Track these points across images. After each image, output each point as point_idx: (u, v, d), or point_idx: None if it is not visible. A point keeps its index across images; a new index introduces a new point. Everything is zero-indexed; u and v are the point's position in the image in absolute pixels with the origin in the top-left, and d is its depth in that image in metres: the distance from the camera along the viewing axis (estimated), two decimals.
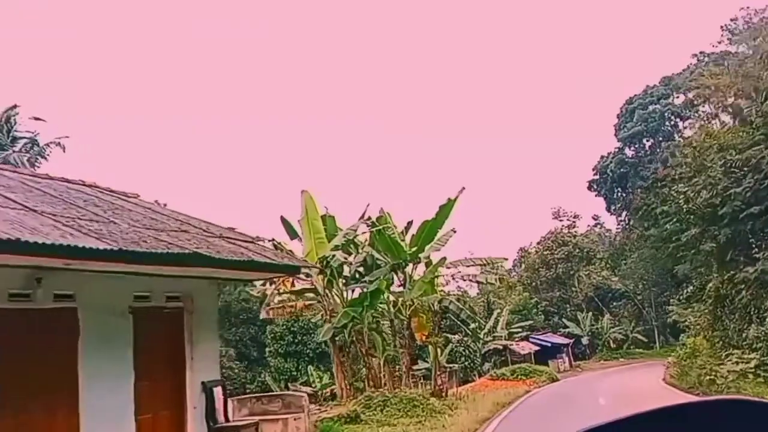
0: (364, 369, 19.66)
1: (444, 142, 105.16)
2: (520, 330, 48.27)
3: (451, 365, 41.17)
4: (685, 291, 30.14)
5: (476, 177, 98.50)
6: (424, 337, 23.95)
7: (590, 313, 58.63)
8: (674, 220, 24.34)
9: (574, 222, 66.41)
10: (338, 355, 19.03)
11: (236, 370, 54.51)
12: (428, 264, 21.98)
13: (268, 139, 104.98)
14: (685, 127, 57.77)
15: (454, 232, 22.80)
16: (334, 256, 18.20)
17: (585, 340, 55.43)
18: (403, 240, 22.08)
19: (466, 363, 41.90)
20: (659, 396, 21.14)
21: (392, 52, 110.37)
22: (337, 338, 19.45)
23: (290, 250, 18.76)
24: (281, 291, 19.28)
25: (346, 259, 18.38)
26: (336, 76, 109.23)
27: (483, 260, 21.88)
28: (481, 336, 42.48)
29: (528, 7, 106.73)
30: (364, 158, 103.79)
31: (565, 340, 50.53)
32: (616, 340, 57.44)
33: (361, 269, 22.19)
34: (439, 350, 39.74)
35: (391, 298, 22.61)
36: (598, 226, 71.27)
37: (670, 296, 58.12)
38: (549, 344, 47.23)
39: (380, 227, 20.41)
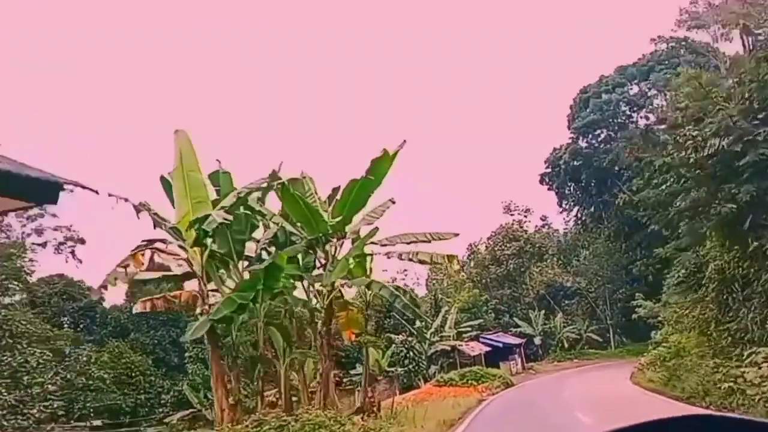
0: (258, 380, 13.87)
1: (392, 136, 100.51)
2: (469, 329, 43.81)
3: (393, 369, 36.15)
4: (674, 275, 25.52)
5: (426, 171, 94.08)
6: (353, 336, 18.69)
7: (542, 312, 54.86)
8: (672, 180, 19.82)
9: (525, 216, 62.68)
10: (217, 360, 12.87)
11: (152, 378, 47.99)
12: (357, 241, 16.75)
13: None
14: (641, 117, 54.98)
15: (393, 202, 17.64)
16: (209, 217, 12.64)
17: (537, 340, 51.55)
18: (325, 210, 16.74)
19: (410, 366, 36.97)
20: (653, 406, 16.56)
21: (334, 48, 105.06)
22: (224, 338, 13.88)
23: (155, 213, 13.16)
24: (139, 273, 13.39)
25: (228, 220, 12.58)
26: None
27: (427, 236, 16.74)
28: (428, 336, 37.63)
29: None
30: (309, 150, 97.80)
31: (517, 340, 46.36)
32: (569, 339, 53.81)
33: (272, 249, 16.73)
34: (379, 352, 34.83)
35: (313, 289, 17.18)
36: (546, 227, 67.67)
37: (626, 293, 55.05)
38: (500, 344, 42.89)
39: (291, 189, 15.00)
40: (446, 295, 54.68)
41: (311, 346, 16.45)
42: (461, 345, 39.47)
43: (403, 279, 56.96)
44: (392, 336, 37.19)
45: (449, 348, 39.27)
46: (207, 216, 12.50)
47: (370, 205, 16.86)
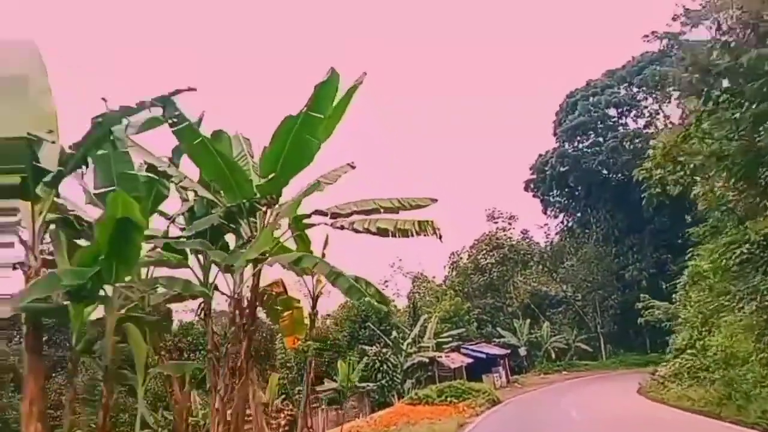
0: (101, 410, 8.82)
1: (376, 142, 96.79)
2: (450, 339, 39.87)
3: (365, 385, 32.11)
4: (717, 259, 20.11)
5: (408, 178, 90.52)
6: (297, 342, 14.75)
7: (528, 321, 51.18)
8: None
9: (510, 224, 59.23)
10: (35, 376, 7.54)
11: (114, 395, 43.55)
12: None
13: None
14: (630, 119, 52.12)
15: (352, 167, 13.64)
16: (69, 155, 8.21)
17: (522, 351, 47.83)
18: (256, 173, 12.52)
19: (384, 381, 32.96)
20: None
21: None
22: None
23: None
24: None
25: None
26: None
27: (394, 202, 12.61)
28: (404, 347, 33.70)
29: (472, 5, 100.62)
30: None
31: (501, 351, 42.61)
32: (556, 350, 50.15)
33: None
34: (348, 365, 30.81)
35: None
36: (527, 240, 63.93)
37: (618, 300, 51.71)
38: (483, 356, 39.09)
39: (210, 145, 10.98)
40: (427, 305, 50.91)
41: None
42: (441, 357, 35.59)
43: (383, 290, 52.93)
44: (366, 348, 33.24)
45: (428, 360, 35.37)
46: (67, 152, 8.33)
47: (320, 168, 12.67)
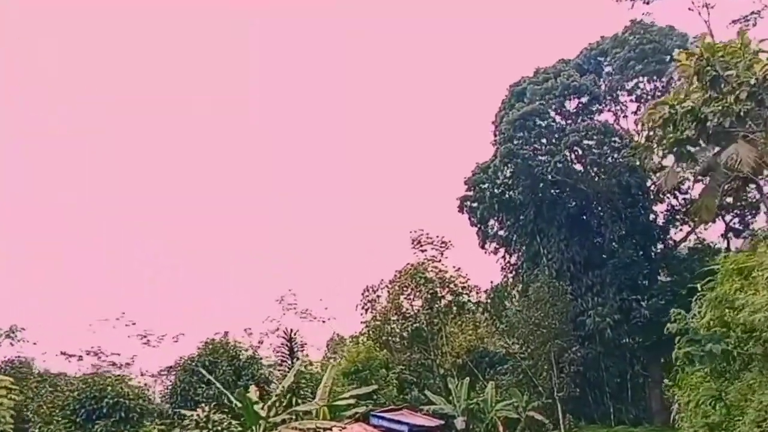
0: None
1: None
2: (353, 402, 26.18)
3: None
4: None
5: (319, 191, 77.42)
6: None
7: (466, 381, 38.22)
8: None
9: (441, 253, 47.06)
10: None
11: None
12: None
13: None
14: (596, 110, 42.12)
15: None
16: None
17: (460, 423, 34.64)
18: None
19: None
20: None
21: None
22: None
23: None
24: None
25: None
26: None
27: None
28: (260, 410, 19.89)
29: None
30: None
31: (431, 422, 29.17)
32: (506, 421, 37.25)
33: None
34: None
35: None
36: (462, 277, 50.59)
37: (579, 354, 39.83)
38: (405, 429, 25.54)
39: None
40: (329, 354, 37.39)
41: None
42: (332, 428, 21.87)
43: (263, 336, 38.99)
44: (187, 412, 19.25)
45: None
46: None
47: None
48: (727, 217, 45.51)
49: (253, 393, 22.11)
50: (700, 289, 20.37)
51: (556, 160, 39.27)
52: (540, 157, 40.91)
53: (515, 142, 40.82)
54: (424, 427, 27.44)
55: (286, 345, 25.43)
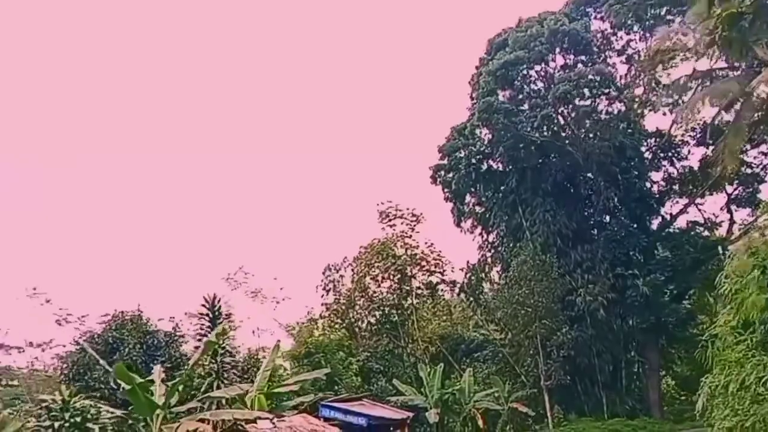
0: None
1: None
2: (297, 390, 20.60)
3: None
4: None
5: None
6: None
7: (440, 368, 32.93)
8: None
9: (413, 228, 41.72)
10: None
11: None
12: None
13: None
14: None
15: None
16: None
17: (432, 415, 29.32)
18: None
19: None
20: None
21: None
22: None
23: None
24: None
25: None
26: None
27: None
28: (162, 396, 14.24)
29: None
30: None
31: (398, 414, 23.68)
32: (486, 413, 32.08)
33: None
34: None
35: None
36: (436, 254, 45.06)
37: (569, 337, 34.86)
38: (362, 422, 20.06)
39: None
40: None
41: None
42: (264, 420, 16.29)
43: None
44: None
45: (237, 423, 15.88)
46: None
47: None
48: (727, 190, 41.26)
49: (157, 374, 16.52)
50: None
51: (543, 114, 34.19)
52: (524, 113, 35.82)
53: (496, 96, 35.59)
54: (387, 420, 22.02)
55: (207, 315, 19.77)
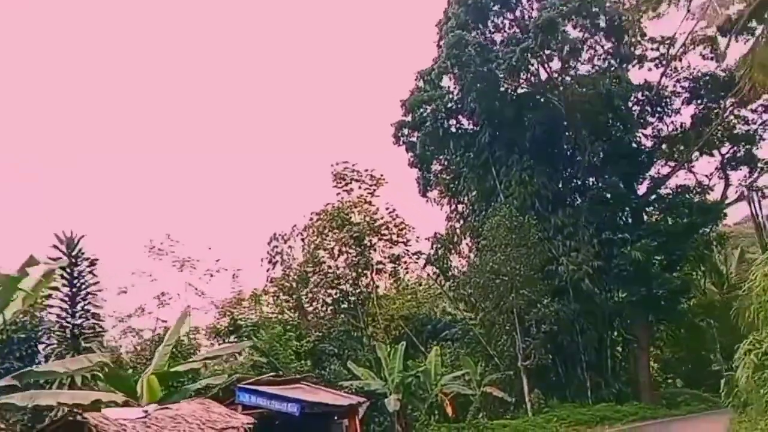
0: None
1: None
2: (200, 368, 15.29)
3: None
4: None
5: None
6: None
7: (401, 348, 27.80)
8: None
9: (372, 191, 36.51)
10: None
11: None
12: None
13: None
14: None
15: None
16: None
17: (392, 402, 24.26)
18: None
19: None
20: None
21: None
22: None
23: None
24: None
25: None
26: None
27: None
28: None
29: None
30: None
31: (345, 400, 18.39)
32: (456, 399, 27.19)
33: None
34: None
35: None
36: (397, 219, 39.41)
37: (551, 309, 30.23)
38: (295, 411, 14.82)
39: None
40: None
41: None
42: (131, 408, 10.97)
43: None
44: None
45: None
46: None
47: None
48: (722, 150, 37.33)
49: None
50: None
51: (523, 48, 29.29)
52: (499, 52, 30.91)
53: (468, 31, 30.55)
54: (330, 407, 16.82)
55: (63, 257, 14.29)
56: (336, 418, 17.28)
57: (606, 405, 30.25)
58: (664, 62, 35.59)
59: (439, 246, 37.76)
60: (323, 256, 36.02)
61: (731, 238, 40.37)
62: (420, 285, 41.58)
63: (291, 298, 34.50)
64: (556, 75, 32.56)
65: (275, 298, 33.69)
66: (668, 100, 36.05)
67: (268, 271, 35.10)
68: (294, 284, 35.14)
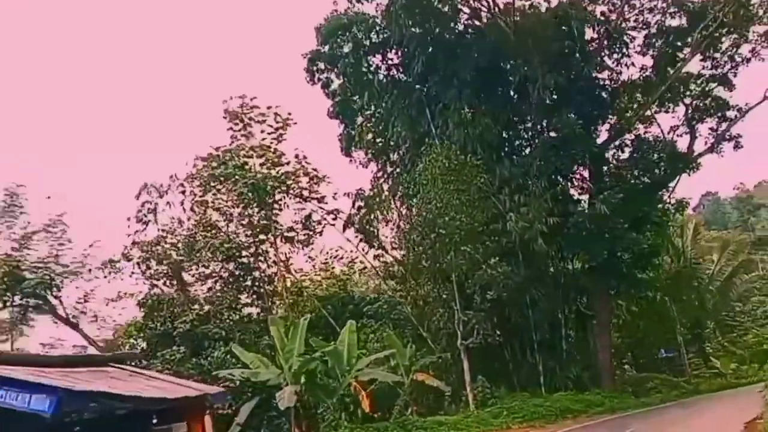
0: None
1: None
2: None
3: None
4: None
5: None
6: None
7: (302, 323, 20.50)
8: None
9: (281, 132, 29.15)
10: None
11: None
12: None
13: None
14: None
15: None
16: None
17: (287, 396, 17.07)
18: None
19: None
20: None
21: None
22: None
23: None
24: None
25: None
26: None
27: None
28: None
29: None
30: None
31: (182, 391, 10.89)
32: (377, 391, 20.32)
33: None
34: None
35: None
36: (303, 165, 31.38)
37: (496, 273, 23.76)
38: (44, 409, 7.23)
39: None
40: None
41: None
42: None
43: None
44: None
45: None
46: None
47: None
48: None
49: None
50: None
51: None
52: None
53: None
54: (141, 401, 9.40)
55: None
56: (156, 420, 9.85)
57: (564, 394, 24.37)
58: None
59: (362, 204, 30.82)
60: (215, 219, 28.43)
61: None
62: (340, 256, 34.41)
63: (165, 267, 26.59)
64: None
65: (139, 265, 25.71)
66: (628, 36, 30.64)
67: (136, 232, 27.02)
68: (172, 251, 27.28)
